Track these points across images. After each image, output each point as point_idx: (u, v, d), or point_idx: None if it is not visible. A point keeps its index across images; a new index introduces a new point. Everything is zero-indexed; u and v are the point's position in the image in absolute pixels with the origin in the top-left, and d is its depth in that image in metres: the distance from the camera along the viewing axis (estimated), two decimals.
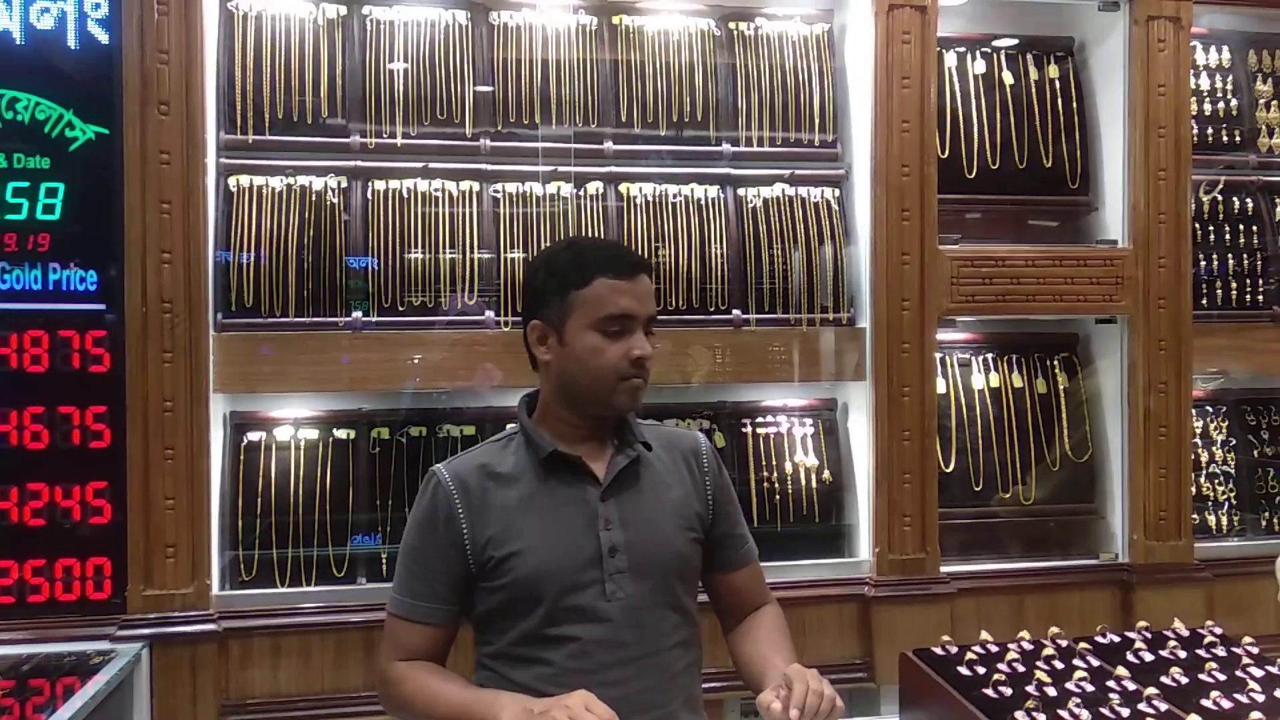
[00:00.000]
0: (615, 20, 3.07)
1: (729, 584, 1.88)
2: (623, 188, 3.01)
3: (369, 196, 2.89)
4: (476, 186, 2.95)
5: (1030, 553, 3.15)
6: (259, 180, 2.84)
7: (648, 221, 3.00)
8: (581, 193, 2.99)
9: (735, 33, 3.13)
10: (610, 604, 1.67)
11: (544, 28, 3.01)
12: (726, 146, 3.07)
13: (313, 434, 2.86)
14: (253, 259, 2.77)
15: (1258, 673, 1.70)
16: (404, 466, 2.85)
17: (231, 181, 2.83)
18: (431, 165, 2.93)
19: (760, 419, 3.13)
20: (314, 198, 2.85)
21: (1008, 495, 3.17)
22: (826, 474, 3.10)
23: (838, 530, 3.10)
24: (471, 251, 2.91)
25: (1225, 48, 3.39)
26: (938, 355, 3.19)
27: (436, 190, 2.92)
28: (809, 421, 3.15)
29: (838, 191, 3.13)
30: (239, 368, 2.71)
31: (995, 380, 3.23)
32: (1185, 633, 1.91)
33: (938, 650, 1.78)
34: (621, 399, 1.69)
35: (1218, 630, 1.91)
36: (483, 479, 1.71)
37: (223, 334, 2.71)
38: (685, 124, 3.06)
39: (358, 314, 2.80)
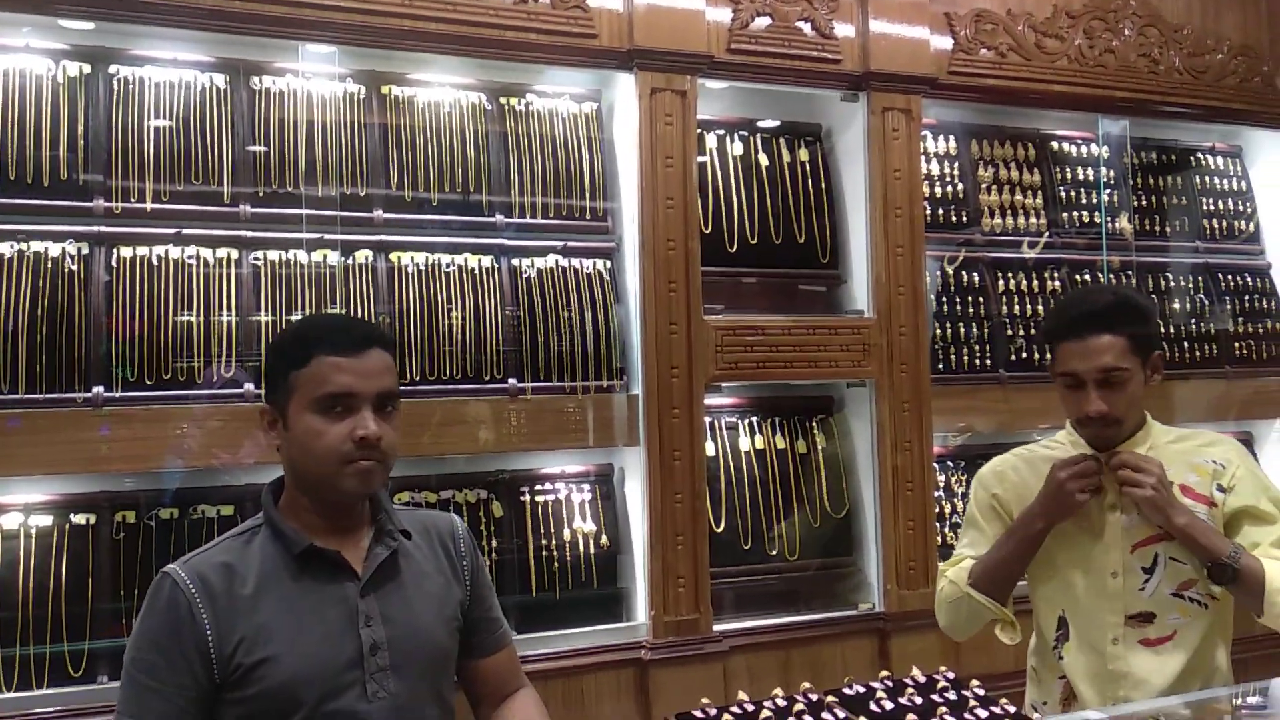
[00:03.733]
0: (384, 90, 3.06)
1: (485, 670, 1.81)
2: (394, 256, 2.98)
3: (114, 264, 2.72)
4: (235, 254, 2.83)
5: (797, 607, 3.30)
6: None
7: (420, 290, 2.98)
8: (350, 261, 2.94)
9: (507, 107, 3.19)
10: (371, 705, 1.58)
11: (309, 95, 2.96)
12: (500, 217, 3.11)
13: (46, 520, 2.62)
14: None
15: (983, 713, 1.85)
16: (152, 552, 2.66)
17: None
18: (185, 231, 2.80)
19: (538, 486, 3.14)
20: (50, 265, 2.65)
21: (774, 552, 3.31)
22: (604, 539, 3.14)
23: (616, 595, 3.14)
24: (230, 321, 2.78)
25: (952, 137, 3.77)
26: (707, 420, 3.32)
27: (190, 257, 2.79)
28: (586, 488, 3.19)
29: (609, 263, 3.23)
30: None
31: (760, 442, 3.40)
32: (922, 679, 2.05)
33: (697, 713, 1.83)
34: (349, 483, 1.59)
35: (950, 675, 2.07)
36: (227, 578, 1.57)
37: None
38: (458, 194, 3.08)
39: (99, 389, 2.61)
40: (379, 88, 3.06)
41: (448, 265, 3.03)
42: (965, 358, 3.61)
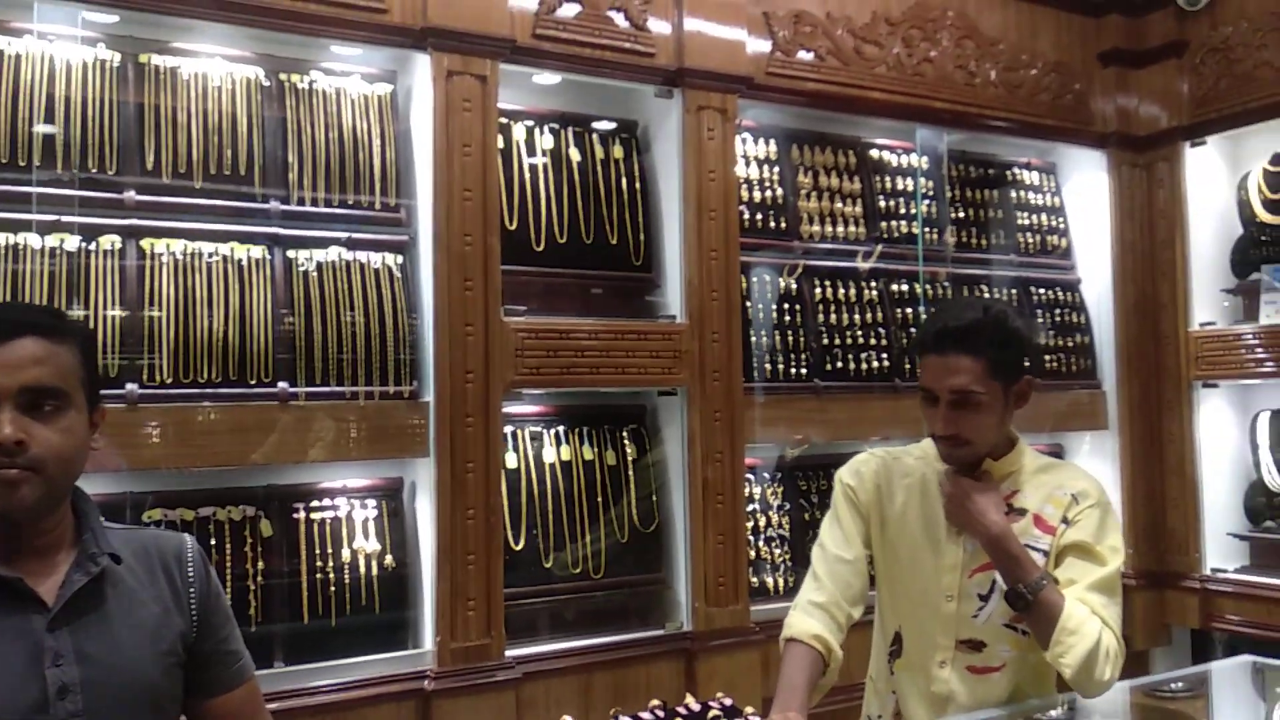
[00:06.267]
0: (143, 59, 2.74)
1: (219, 710, 1.61)
2: (145, 243, 2.66)
3: None
4: None
5: (602, 628, 3.11)
6: None
7: (176, 281, 2.66)
8: (93, 247, 2.60)
9: (287, 85, 2.91)
10: None
11: (52, 60, 2.61)
12: (275, 204, 2.82)
13: None
14: None
15: None
16: None
17: None
18: None
19: (315, 502, 2.86)
20: None
21: (578, 570, 3.12)
22: (389, 559, 2.88)
23: (401, 620, 2.88)
24: None
25: (772, 141, 3.68)
26: (510, 429, 3.12)
27: None
28: (371, 503, 2.93)
29: (401, 258, 2.98)
30: None
31: (567, 453, 3.20)
32: (696, 707, 1.89)
33: None
34: None
35: (726, 701, 1.92)
36: None
37: None
38: (227, 177, 2.78)
39: None
40: (137, 56, 2.74)
41: (210, 255, 2.72)
42: (781, 366, 3.51)
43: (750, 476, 3.48)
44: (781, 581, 3.45)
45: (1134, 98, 4.26)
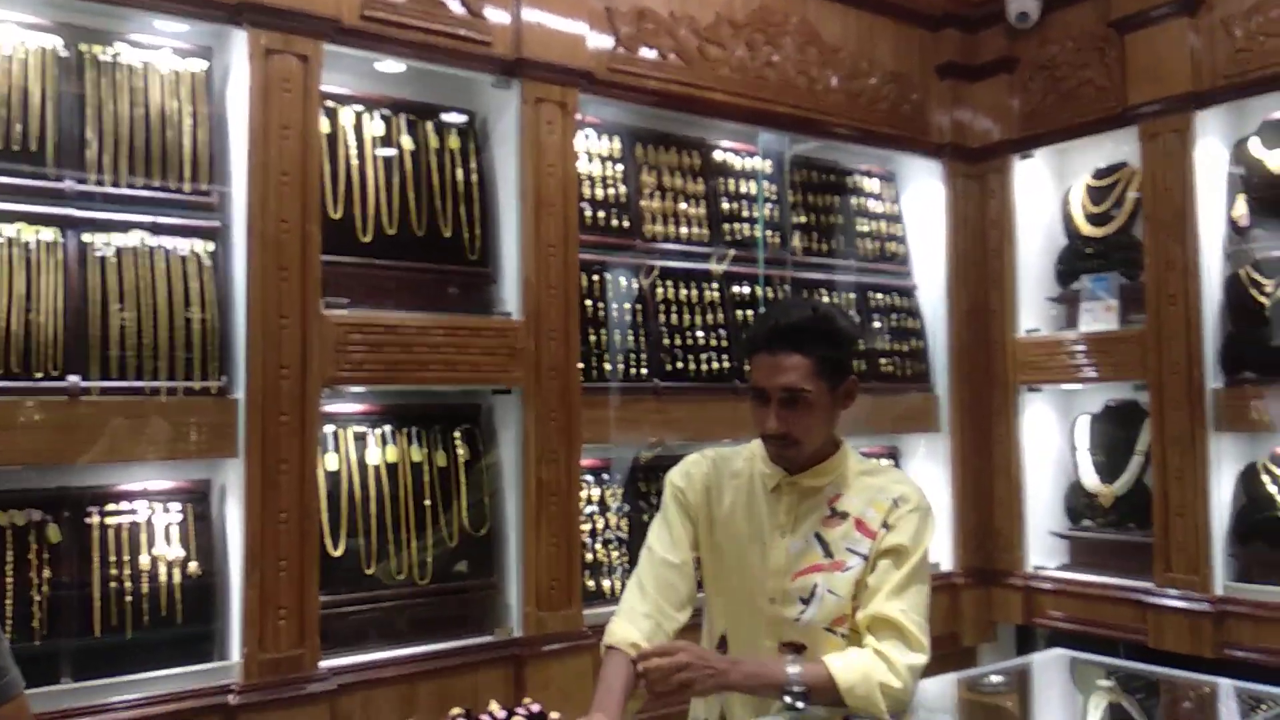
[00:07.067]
0: None
1: None
2: None
3: None
4: None
5: (429, 635, 2.99)
6: None
7: None
8: None
9: (88, 56, 2.70)
10: None
11: None
12: (70, 184, 2.61)
13: None
14: None
15: None
16: None
17: None
18: None
19: (111, 506, 2.66)
20: None
21: (401, 576, 2.99)
22: (194, 566, 2.70)
23: (205, 632, 2.70)
24: None
25: (616, 138, 3.64)
26: (331, 428, 2.98)
27: None
28: (175, 507, 2.74)
29: (212, 245, 2.80)
30: None
31: (393, 454, 3.07)
32: (502, 714, 1.82)
33: None
34: None
35: (535, 707, 1.85)
36: None
37: None
38: (15, 154, 2.55)
39: None
40: None
41: None
42: (622, 366, 3.46)
43: (589, 478, 3.42)
44: (618, 584, 3.40)
45: (968, 110, 4.40)
